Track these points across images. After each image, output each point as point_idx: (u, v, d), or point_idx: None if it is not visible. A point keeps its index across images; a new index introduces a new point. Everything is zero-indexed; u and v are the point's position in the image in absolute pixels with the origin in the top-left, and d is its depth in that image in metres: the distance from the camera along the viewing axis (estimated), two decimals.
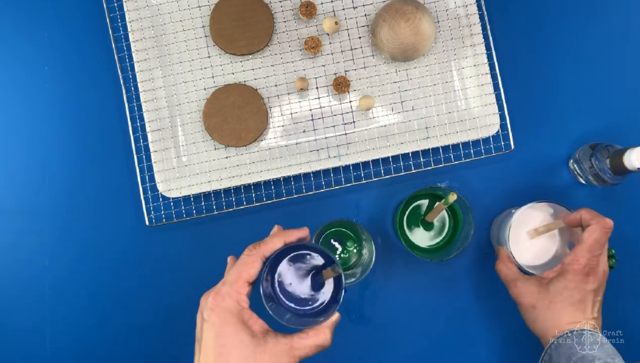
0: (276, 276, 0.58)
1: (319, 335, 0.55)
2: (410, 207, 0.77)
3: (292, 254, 0.58)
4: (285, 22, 0.79)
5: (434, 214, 0.73)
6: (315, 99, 0.79)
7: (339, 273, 0.56)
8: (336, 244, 0.75)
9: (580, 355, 0.64)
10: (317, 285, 0.59)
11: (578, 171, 0.78)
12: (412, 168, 0.79)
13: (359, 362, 0.78)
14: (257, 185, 0.79)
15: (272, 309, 0.56)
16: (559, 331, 0.66)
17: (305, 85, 0.78)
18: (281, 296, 0.58)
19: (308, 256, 0.59)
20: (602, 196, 0.80)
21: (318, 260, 0.59)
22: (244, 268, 0.55)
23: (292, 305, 0.58)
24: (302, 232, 0.59)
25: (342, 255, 0.75)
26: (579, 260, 0.67)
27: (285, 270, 0.59)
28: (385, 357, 0.79)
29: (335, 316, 0.57)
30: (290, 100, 0.79)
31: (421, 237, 0.77)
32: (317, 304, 0.59)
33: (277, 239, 0.58)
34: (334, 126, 0.79)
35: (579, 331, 0.65)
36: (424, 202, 0.77)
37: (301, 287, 0.59)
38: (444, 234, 0.77)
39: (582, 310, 0.67)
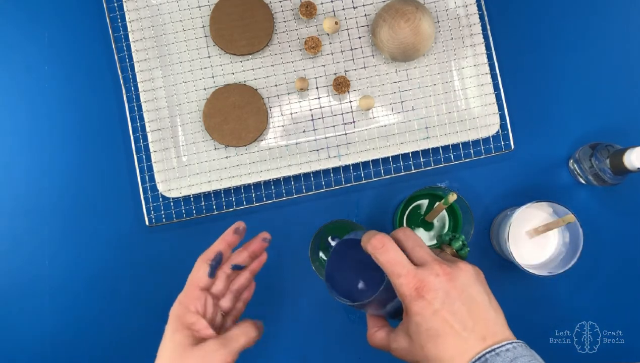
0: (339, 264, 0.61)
1: (245, 327, 0.60)
2: (410, 207, 0.76)
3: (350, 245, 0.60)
4: (285, 22, 0.79)
5: (433, 214, 0.73)
6: (315, 99, 0.79)
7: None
8: (332, 241, 0.75)
9: None
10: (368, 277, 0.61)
11: (578, 171, 0.78)
12: (412, 168, 0.79)
13: (359, 362, 0.78)
14: (257, 185, 0.79)
15: (330, 289, 0.59)
16: None
17: (305, 85, 0.78)
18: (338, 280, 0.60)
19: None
20: (602, 196, 0.80)
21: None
22: (191, 276, 0.60)
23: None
24: (233, 227, 0.62)
25: None
26: (400, 292, 0.54)
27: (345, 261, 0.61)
28: (385, 357, 0.79)
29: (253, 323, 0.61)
30: (290, 100, 0.79)
31: (421, 237, 0.76)
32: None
33: (218, 242, 0.61)
34: (334, 126, 0.79)
35: (481, 359, 0.51)
36: (424, 202, 0.77)
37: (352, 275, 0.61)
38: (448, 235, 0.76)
39: (452, 334, 0.52)
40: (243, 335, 0.59)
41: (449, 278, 0.54)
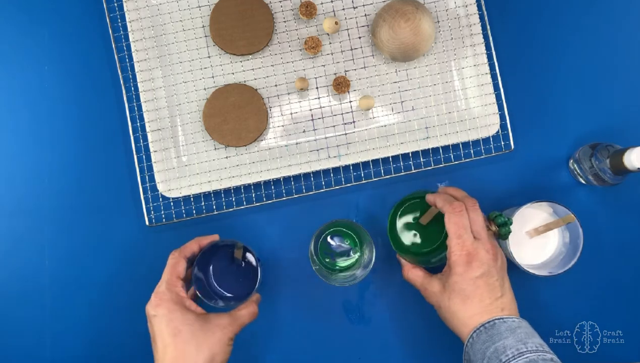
0: (210, 270, 0.71)
1: (250, 307, 0.69)
2: (405, 208, 0.74)
3: (213, 251, 0.71)
4: (285, 22, 0.79)
5: (427, 217, 0.71)
6: (315, 99, 0.79)
7: (241, 247, 0.70)
8: (332, 242, 0.75)
9: (493, 348, 0.61)
10: (237, 267, 0.71)
11: (578, 171, 0.78)
12: (412, 168, 0.79)
13: (358, 362, 0.78)
14: (257, 185, 0.79)
15: (204, 296, 0.68)
16: (467, 327, 0.64)
17: (305, 85, 0.78)
18: (215, 284, 0.71)
19: (230, 251, 0.71)
20: (602, 196, 0.80)
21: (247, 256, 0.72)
22: (173, 269, 0.67)
23: (223, 291, 0.71)
24: (213, 237, 0.71)
25: (343, 245, 0.75)
26: (453, 251, 0.65)
27: (216, 265, 0.72)
28: (385, 357, 0.79)
29: (256, 296, 0.71)
30: (290, 100, 0.79)
31: (415, 240, 0.73)
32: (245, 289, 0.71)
33: (192, 242, 0.69)
34: (334, 126, 0.79)
35: (491, 322, 0.63)
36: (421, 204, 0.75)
37: (230, 276, 0.72)
38: (441, 238, 0.73)
39: (478, 299, 0.64)
40: (248, 314, 0.68)
41: (494, 258, 0.65)
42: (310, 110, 0.79)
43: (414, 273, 0.71)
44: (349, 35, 0.80)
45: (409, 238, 0.73)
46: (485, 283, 0.64)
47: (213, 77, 0.79)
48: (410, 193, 0.72)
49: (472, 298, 0.64)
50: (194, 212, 0.79)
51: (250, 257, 0.71)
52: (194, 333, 0.64)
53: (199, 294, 0.68)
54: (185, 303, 0.66)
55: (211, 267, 0.72)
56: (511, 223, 0.68)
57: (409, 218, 0.74)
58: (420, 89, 0.80)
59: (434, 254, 0.72)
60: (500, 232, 0.68)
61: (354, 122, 0.79)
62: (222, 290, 0.72)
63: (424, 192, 0.73)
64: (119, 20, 0.79)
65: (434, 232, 0.72)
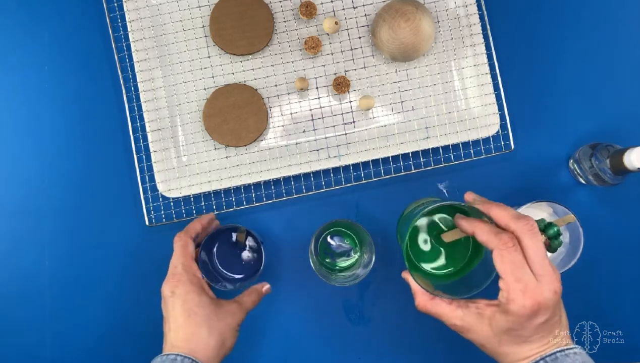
0: (214, 254, 0.75)
1: (252, 294, 0.71)
2: (429, 223, 0.64)
3: (218, 236, 0.75)
4: (285, 22, 0.79)
5: (453, 235, 0.61)
6: (315, 99, 0.79)
7: (243, 231, 0.73)
8: (332, 242, 0.75)
9: None
10: (241, 251, 0.75)
11: (578, 171, 0.78)
12: (412, 168, 0.79)
13: (358, 362, 0.78)
14: (257, 185, 0.79)
15: (210, 280, 0.71)
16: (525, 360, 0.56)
17: (305, 85, 0.78)
18: (220, 268, 0.75)
19: (231, 237, 0.75)
20: (602, 196, 0.80)
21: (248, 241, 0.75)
22: (184, 250, 0.68)
23: (227, 273, 0.75)
24: (210, 216, 0.74)
25: (343, 245, 0.75)
26: (513, 299, 0.54)
27: (220, 249, 0.76)
28: (385, 357, 0.79)
29: (263, 285, 0.73)
30: (290, 100, 0.79)
31: (434, 258, 0.64)
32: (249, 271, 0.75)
33: (195, 223, 0.71)
34: (334, 126, 0.79)
35: (552, 356, 0.55)
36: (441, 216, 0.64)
37: (234, 259, 0.75)
38: (460, 263, 0.63)
39: (537, 344, 0.55)
40: (251, 301, 0.71)
41: (559, 295, 0.55)
42: (310, 110, 0.79)
43: (435, 306, 0.59)
44: (349, 35, 0.80)
45: (427, 256, 0.63)
46: (549, 325, 0.55)
47: (213, 77, 0.79)
48: (421, 201, 0.65)
49: (531, 343, 0.55)
50: (194, 212, 0.79)
51: (252, 241, 0.74)
52: (208, 316, 0.65)
53: (205, 278, 0.70)
54: (202, 285, 0.67)
55: (215, 251, 0.75)
56: (561, 234, 0.59)
57: (424, 233, 0.64)
58: (420, 89, 0.80)
59: (459, 277, 0.63)
60: (552, 245, 0.58)
61: (354, 122, 0.79)
62: (228, 273, 0.75)
63: (438, 201, 0.62)
64: (119, 20, 0.79)
65: (458, 249, 0.63)
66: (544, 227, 0.58)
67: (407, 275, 0.61)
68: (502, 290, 0.55)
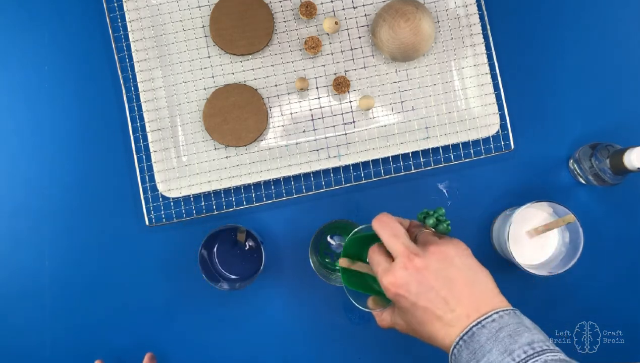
0: (214, 254, 0.76)
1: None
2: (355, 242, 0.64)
3: (218, 236, 0.75)
4: (285, 22, 0.79)
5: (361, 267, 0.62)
6: (315, 99, 0.79)
7: (244, 231, 0.73)
8: (332, 242, 0.76)
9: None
10: (241, 251, 0.75)
11: (578, 171, 0.78)
12: (412, 168, 0.79)
13: (359, 362, 0.78)
14: (257, 185, 0.79)
15: (209, 279, 0.72)
16: (446, 346, 0.55)
17: (305, 85, 0.78)
18: (220, 268, 0.76)
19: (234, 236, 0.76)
20: (602, 196, 0.80)
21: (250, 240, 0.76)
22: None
23: (227, 273, 0.76)
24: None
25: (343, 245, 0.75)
26: (383, 286, 0.57)
27: (220, 249, 0.77)
28: (385, 357, 0.79)
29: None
30: (290, 100, 0.79)
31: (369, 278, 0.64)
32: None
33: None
34: (334, 126, 0.79)
35: (469, 332, 0.53)
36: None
37: (234, 259, 0.76)
38: None
39: (435, 319, 0.55)
40: None
41: (418, 268, 0.55)
42: (310, 110, 0.79)
43: (385, 321, 0.62)
44: (349, 35, 0.80)
45: (372, 279, 0.64)
46: (427, 300, 0.55)
47: (213, 77, 0.79)
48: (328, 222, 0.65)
49: (429, 322, 0.55)
50: (194, 212, 0.79)
51: (252, 241, 0.75)
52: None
53: (204, 277, 0.71)
54: None
55: (215, 251, 0.76)
56: (445, 219, 0.61)
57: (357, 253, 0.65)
58: (420, 89, 0.80)
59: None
60: (439, 230, 0.61)
61: (354, 122, 0.79)
62: (227, 273, 0.75)
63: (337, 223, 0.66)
64: (119, 20, 0.79)
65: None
66: (424, 217, 0.61)
67: (370, 304, 0.63)
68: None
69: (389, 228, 0.58)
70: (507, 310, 0.54)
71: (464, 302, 0.54)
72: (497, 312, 0.53)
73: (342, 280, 0.63)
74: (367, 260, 0.60)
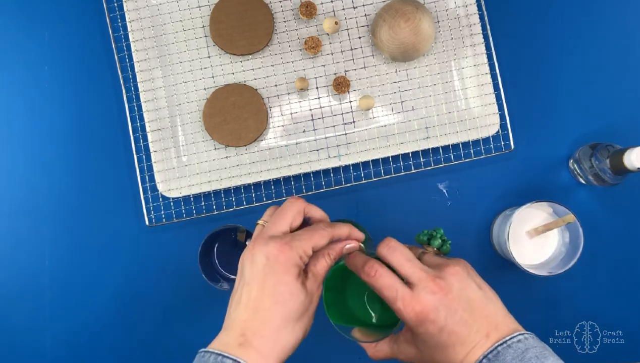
0: (214, 254, 0.77)
1: (323, 260, 0.57)
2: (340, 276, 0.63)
3: (218, 236, 0.75)
4: (285, 22, 0.79)
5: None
6: (315, 99, 0.79)
7: (244, 231, 0.73)
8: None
9: None
10: (240, 252, 0.67)
11: (578, 171, 0.78)
12: (412, 168, 0.79)
13: (359, 362, 0.78)
14: (257, 185, 0.79)
15: (209, 279, 0.72)
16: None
17: (305, 85, 0.78)
18: (220, 268, 0.76)
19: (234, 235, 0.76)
20: (602, 196, 0.80)
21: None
22: (318, 238, 0.55)
23: (227, 273, 0.76)
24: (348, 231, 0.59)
25: None
26: (404, 316, 0.54)
27: (220, 249, 0.77)
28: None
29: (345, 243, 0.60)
30: (290, 100, 0.79)
31: (366, 311, 0.63)
32: None
33: (344, 227, 0.58)
34: (334, 126, 0.79)
35: (493, 351, 0.52)
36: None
37: (234, 259, 0.67)
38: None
39: (460, 343, 0.54)
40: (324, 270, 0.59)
41: (445, 292, 0.54)
42: (310, 110, 0.79)
43: (382, 353, 0.60)
44: (349, 35, 0.80)
45: (359, 311, 0.63)
46: (455, 324, 0.54)
47: (213, 77, 0.79)
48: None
49: (452, 346, 0.54)
50: (194, 212, 0.79)
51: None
52: (298, 308, 0.57)
53: (204, 277, 0.71)
54: (301, 272, 0.57)
55: (215, 251, 0.76)
56: (447, 239, 0.61)
57: (347, 285, 0.64)
58: (420, 89, 0.80)
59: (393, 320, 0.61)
60: (443, 251, 0.61)
61: (354, 122, 0.79)
62: (227, 273, 0.75)
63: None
64: (119, 20, 0.79)
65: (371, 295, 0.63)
66: (428, 239, 0.61)
67: (357, 336, 0.61)
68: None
69: (400, 254, 0.56)
70: (530, 334, 0.54)
71: (482, 321, 0.54)
72: (522, 334, 0.53)
73: (329, 316, 0.60)
74: (372, 285, 0.55)
